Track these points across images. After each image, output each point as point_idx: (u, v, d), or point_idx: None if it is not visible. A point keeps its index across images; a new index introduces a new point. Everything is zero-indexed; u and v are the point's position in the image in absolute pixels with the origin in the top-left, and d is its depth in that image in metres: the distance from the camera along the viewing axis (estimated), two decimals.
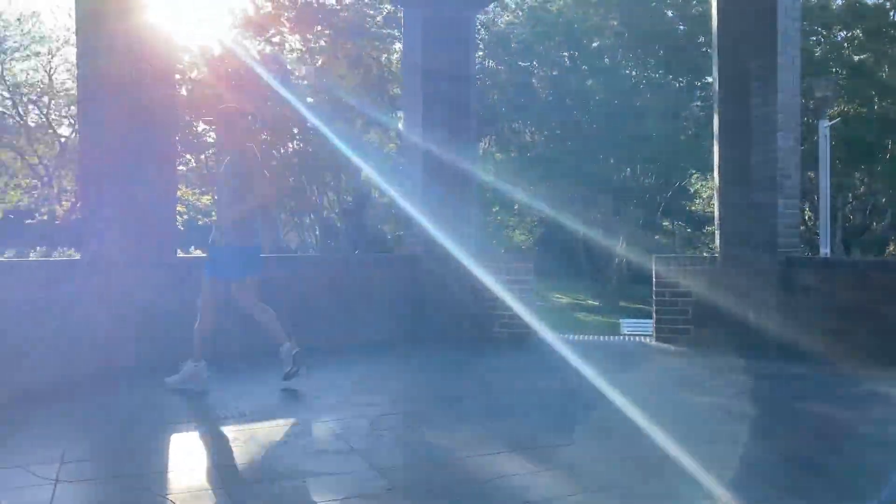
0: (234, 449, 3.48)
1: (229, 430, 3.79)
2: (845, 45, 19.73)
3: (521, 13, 21.31)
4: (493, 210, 20.03)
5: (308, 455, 3.37)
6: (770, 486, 2.92)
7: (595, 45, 20.22)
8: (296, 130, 21.95)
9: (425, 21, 7.40)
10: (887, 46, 19.28)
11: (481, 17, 18.53)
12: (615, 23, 19.70)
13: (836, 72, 17.83)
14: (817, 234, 16.75)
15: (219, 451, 3.45)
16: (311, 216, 24.37)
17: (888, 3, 21.89)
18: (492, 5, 17.84)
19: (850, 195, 21.80)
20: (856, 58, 18.79)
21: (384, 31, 20.31)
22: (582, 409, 4.26)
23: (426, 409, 4.31)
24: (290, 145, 22.53)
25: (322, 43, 20.88)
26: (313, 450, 3.46)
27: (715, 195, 7.30)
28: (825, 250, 13.17)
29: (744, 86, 6.95)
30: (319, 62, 20.99)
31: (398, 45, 22.52)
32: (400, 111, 22.79)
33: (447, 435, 3.72)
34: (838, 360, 5.90)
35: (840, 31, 20.42)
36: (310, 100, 20.32)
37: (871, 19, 19.34)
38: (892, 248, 26.58)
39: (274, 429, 3.85)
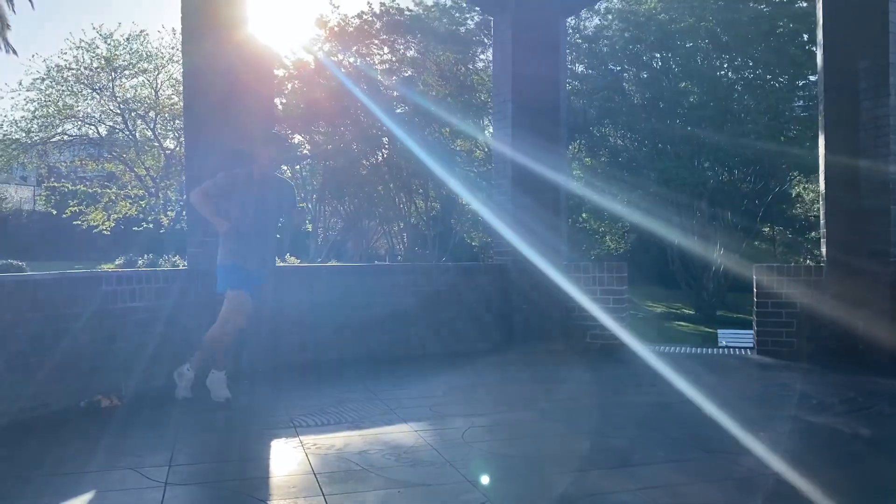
0: (329, 457, 3.55)
1: (324, 438, 3.87)
2: None
3: (610, 16, 20.97)
4: (583, 217, 19.74)
5: (402, 465, 3.40)
6: None
7: (688, 45, 19.65)
8: (385, 140, 22.35)
9: (515, 26, 7.38)
10: None
11: (571, 21, 18.34)
12: (709, 23, 19.08)
13: None
14: None
15: (316, 457, 3.53)
16: (400, 224, 24.72)
17: None
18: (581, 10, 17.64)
19: None
20: None
21: (473, 38, 20.41)
22: (680, 426, 4.13)
23: (518, 422, 4.27)
24: (380, 154, 22.95)
25: (411, 53, 21.20)
26: (407, 460, 3.48)
27: (820, 201, 6.95)
28: None
29: (852, 87, 6.60)
30: (408, 72, 21.32)
31: (487, 54, 22.64)
32: (489, 119, 22.87)
33: (540, 449, 3.68)
34: None
35: None
36: (399, 109, 20.65)
37: None
38: None
39: (366, 437, 3.90)
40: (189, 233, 6.11)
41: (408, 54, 21.20)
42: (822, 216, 6.90)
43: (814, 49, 19.05)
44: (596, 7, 20.00)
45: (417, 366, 6.29)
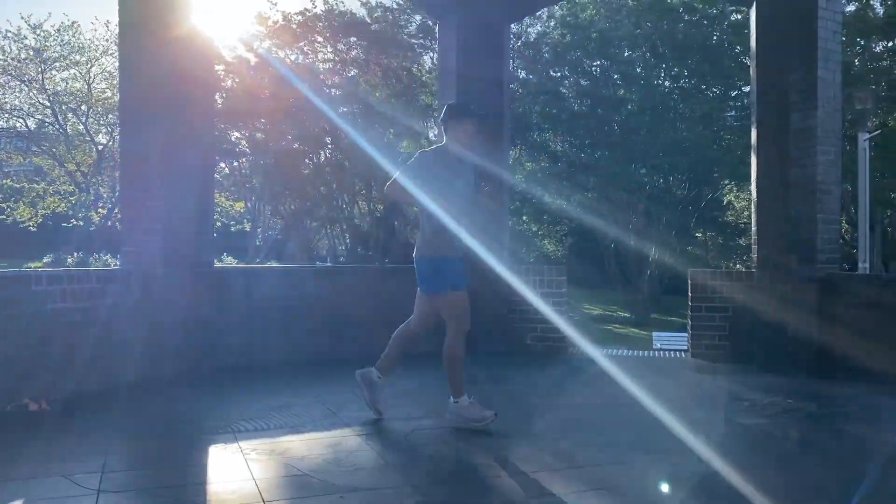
0: (270, 462, 3.49)
1: (265, 444, 3.80)
2: (885, 56, 19.38)
3: (552, 23, 21.28)
4: (523, 219, 19.96)
5: (344, 470, 3.37)
6: None
7: (627, 54, 20.10)
8: (328, 140, 22.14)
9: (460, 29, 7.42)
10: None
11: (514, 26, 18.54)
12: (647, 31, 19.56)
13: (876, 83, 17.50)
14: (855, 249, 16.45)
15: (256, 463, 3.46)
16: (343, 225, 24.51)
17: None
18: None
19: (889, 209, 21.36)
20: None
21: (416, 41, 20.41)
22: (622, 428, 4.20)
23: (461, 425, 4.27)
24: (323, 154, 22.72)
25: (354, 53, 21.06)
26: (350, 465, 3.45)
27: (753, 208, 7.20)
28: (864, 265, 12.91)
29: (783, 99, 6.85)
30: (352, 73, 21.16)
31: (430, 56, 22.66)
32: (433, 121, 22.88)
33: (484, 451, 3.70)
34: (880, 378, 5.77)
35: (879, 41, 20.05)
36: (343, 109, 20.50)
37: None
38: None
39: (308, 442, 3.85)
40: (124, 230, 5.93)
41: (351, 54, 21.04)
42: (753, 223, 7.14)
43: (746, 61, 19.75)
44: (538, 14, 20.27)
45: (360, 368, 6.23)
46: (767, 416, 4.48)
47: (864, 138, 12.95)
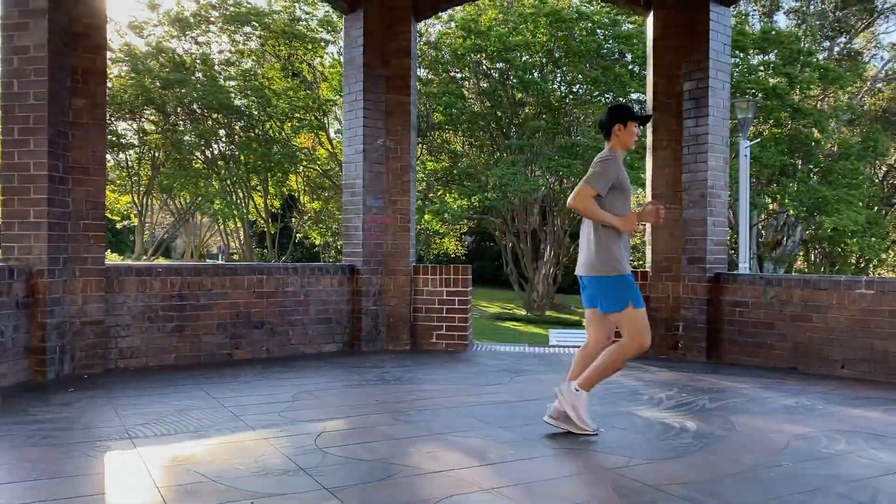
0: (173, 469, 3.33)
1: (166, 450, 3.63)
2: (761, 68, 20.69)
3: (453, 24, 21.46)
4: (425, 219, 20.04)
5: (253, 475, 3.26)
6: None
7: (524, 58, 20.54)
8: (222, 133, 21.42)
9: (367, 27, 7.34)
10: (798, 71, 20.32)
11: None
12: (543, 37, 20.06)
13: (753, 94, 18.67)
14: (733, 250, 17.49)
15: (159, 471, 3.29)
16: (237, 221, 23.78)
17: (799, 31, 23.14)
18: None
19: (764, 213, 22.84)
20: (771, 81, 19.73)
21: (317, 34, 20.06)
22: (529, 423, 4.27)
23: (372, 425, 4.23)
24: (217, 147, 21.97)
25: (252, 44, 20.48)
26: (258, 469, 3.34)
27: None
28: (744, 265, 13.74)
29: (677, 106, 7.19)
30: (249, 64, 20.58)
31: (334, 49, 22.32)
32: (333, 117, 22.56)
33: (396, 451, 3.67)
34: (764, 370, 6.16)
35: (756, 54, 21.40)
36: (239, 101, 19.88)
37: (784, 45, 20.36)
38: (800, 263, 28.00)
39: (212, 447, 3.71)
40: (5, 226, 5.51)
41: (248, 46, 20.45)
42: (648, 225, 7.44)
43: (636, 70, 20.62)
44: (439, 14, 20.40)
45: (263, 370, 6.08)
46: (665, 409, 4.68)
47: (744, 146, 13.77)
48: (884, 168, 26.94)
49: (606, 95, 20.94)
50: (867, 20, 26.33)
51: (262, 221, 24.57)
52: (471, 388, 5.40)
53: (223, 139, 21.90)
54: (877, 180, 26.23)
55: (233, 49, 20.23)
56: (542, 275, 23.16)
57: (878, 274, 28.41)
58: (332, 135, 22.68)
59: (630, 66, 20.22)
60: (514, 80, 20.87)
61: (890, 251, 25.75)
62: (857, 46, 26.96)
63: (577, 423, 4.00)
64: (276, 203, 25.11)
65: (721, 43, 7.10)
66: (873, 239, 20.58)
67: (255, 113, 20.17)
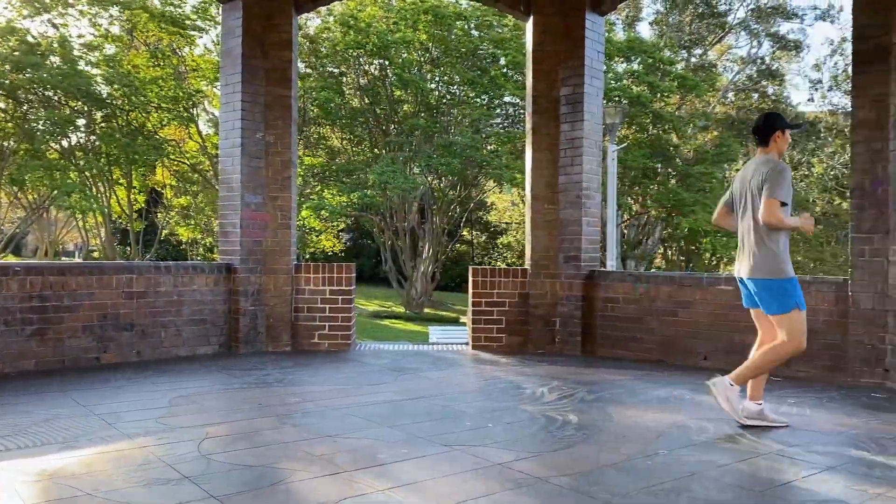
0: (44, 484, 3.09)
1: (33, 463, 3.36)
2: (626, 76, 21.78)
3: (332, 18, 21.17)
4: (302, 215, 19.65)
5: (133, 486, 3.08)
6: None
7: (403, 56, 20.59)
8: (81, 122, 20.09)
9: (247, 17, 7.10)
10: (659, 79, 21.57)
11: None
12: (421, 35, 20.18)
13: (619, 100, 19.64)
14: (603, 249, 18.35)
15: (27, 486, 3.04)
16: (97, 217, 22.36)
17: (661, 41, 24.56)
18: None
19: (626, 213, 24.10)
20: (635, 89, 20.82)
21: (189, 22, 19.18)
22: (416, 422, 4.29)
23: (255, 429, 4.10)
24: (75, 137, 20.57)
25: (116, 29, 19.33)
26: (138, 479, 3.16)
27: (526, 211, 7.72)
28: (612, 263, 14.43)
29: (554, 111, 7.44)
30: (114, 49, 19.40)
31: (208, 39, 21.39)
32: (199, 107, 21.65)
33: (284, 455, 3.58)
34: (636, 362, 6.50)
35: (621, 62, 22.51)
36: (102, 89, 18.70)
37: (647, 54, 21.54)
38: (659, 261, 29.77)
39: (86, 458, 3.47)
40: None
41: (112, 30, 19.27)
42: (527, 224, 7.67)
43: (509, 72, 21.16)
44: (318, 8, 20.07)
45: (136, 374, 5.76)
46: (548, 403, 4.84)
47: (612, 149, 14.46)
48: (733, 172, 29.10)
49: (483, 97, 21.35)
50: (719, 34, 28.34)
51: (125, 217, 23.25)
52: (356, 388, 5.35)
53: (82, 129, 20.53)
54: (726, 184, 28.29)
55: (96, 33, 18.98)
56: (421, 272, 23.32)
57: (728, 270, 30.71)
58: (202, 127, 21.79)
59: (504, 70, 20.70)
60: (394, 78, 20.87)
61: (734, 250, 27.81)
62: (711, 58, 28.98)
63: (732, 413, 4.23)
64: (141, 198, 23.81)
65: (595, 50, 7.41)
66: (724, 238, 22.17)
67: (119, 102, 19.03)
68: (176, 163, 21.98)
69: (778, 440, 3.94)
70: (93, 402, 4.66)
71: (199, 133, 21.26)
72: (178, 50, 19.98)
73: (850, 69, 26.44)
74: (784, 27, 29.23)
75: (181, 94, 19.21)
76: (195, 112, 21.17)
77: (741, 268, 4.32)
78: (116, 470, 3.29)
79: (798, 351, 4.16)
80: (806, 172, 27.72)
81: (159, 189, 24.96)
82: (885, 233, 5.68)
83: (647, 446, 3.80)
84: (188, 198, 23.41)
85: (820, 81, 28.26)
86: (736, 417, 4.26)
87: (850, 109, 6.10)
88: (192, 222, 23.26)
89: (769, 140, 4.26)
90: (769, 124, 4.27)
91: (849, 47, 26.39)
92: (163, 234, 25.67)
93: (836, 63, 27.09)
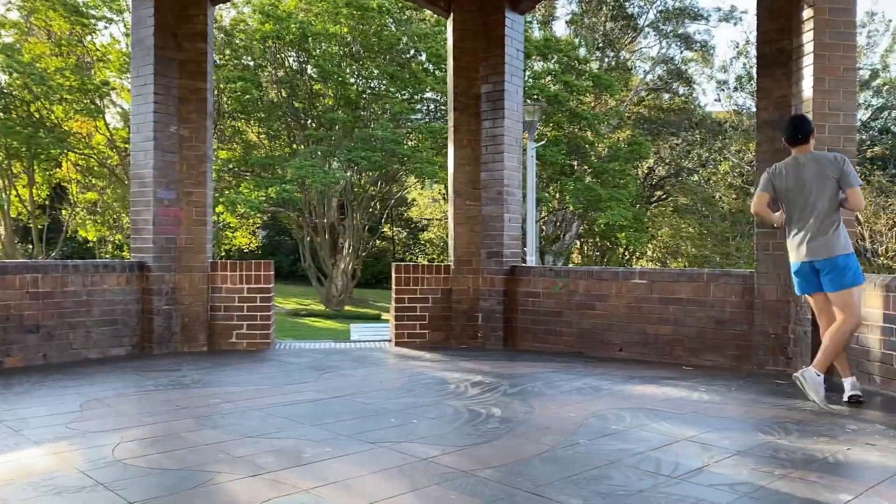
0: None
1: None
2: (543, 75, 22.19)
3: (247, 9, 20.69)
4: (217, 210, 19.13)
5: (45, 495, 2.93)
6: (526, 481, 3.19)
7: (323, 48, 20.33)
8: None
9: (158, 7, 6.86)
10: (575, 78, 22.07)
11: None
12: (342, 29, 19.98)
13: (537, 98, 19.98)
14: (522, 244, 18.64)
15: None
16: None
17: (577, 40, 25.11)
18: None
19: (544, 209, 24.56)
20: (552, 87, 21.23)
21: (95, 10, 18.36)
22: (340, 420, 4.26)
23: (173, 432, 3.97)
24: None
25: (13, 15, 18.32)
26: (50, 488, 3.01)
27: (449, 208, 7.77)
28: (531, 258, 14.68)
29: (475, 107, 7.51)
30: (10, 38, 18.39)
31: (114, 30, 20.51)
32: (107, 98, 20.79)
33: (205, 458, 3.48)
34: (555, 355, 6.63)
35: (538, 60, 22.91)
36: (7, 79, 17.68)
37: (563, 53, 21.99)
38: (575, 256, 30.48)
39: None
40: None
41: (9, 16, 18.25)
42: (450, 220, 7.71)
43: (430, 68, 21.22)
44: (235, 1, 19.62)
45: (42, 378, 5.49)
46: (471, 398, 4.89)
47: (531, 147, 14.71)
48: (645, 169, 30.08)
49: (403, 92, 21.32)
50: (632, 35, 29.23)
51: (26, 213, 22.10)
52: (277, 387, 5.26)
53: None
54: (639, 181, 29.21)
55: None
56: (342, 270, 23.12)
57: (641, 264, 31.75)
58: (110, 120, 20.92)
59: (425, 65, 20.74)
60: (313, 71, 20.58)
61: (649, 244, 28.75)
62: (624, 58, 29.85)
63: (819, 403, 4.55)
64: (44, 193, 22.65)
65: (515, 49, 7.52)
66: (638, 233, 22.92)
67: (19, 92, 18.04)
68: (82, 157, 21.04)
69: (691, 427, 4.11)
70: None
71: (107, 126, 20.40)
72: (82, 39, 19.09)
73: (753, 71, 27.67)
74: (691, 28, 30.33)
75: (89, 85, 18.37)
76: (103, 104, 20.30)
77: (811, 251, 4.73)
78: (25, 479, 3.13)
79: (859, 325, 4.73)
80: (713, 170, 28.93)
81: (64, 184, 23.82)
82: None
83: (568, 437, 3.89)
84: (95, 193, 22.44)
85: (726, 82, 29.51)
86: (823, 406, 4.56)
87: (756, 111, 6.40)
88: (100, 219, 22.33)
89: (809, 139, 4.89)
90: (807, 126, 4.89)
91: (752, 49, 27.70)
92: (69, 232, 24.52)
93: (743, 64, 28.35)
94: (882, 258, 22.44)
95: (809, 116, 5.67)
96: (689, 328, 6.44)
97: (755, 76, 6.48)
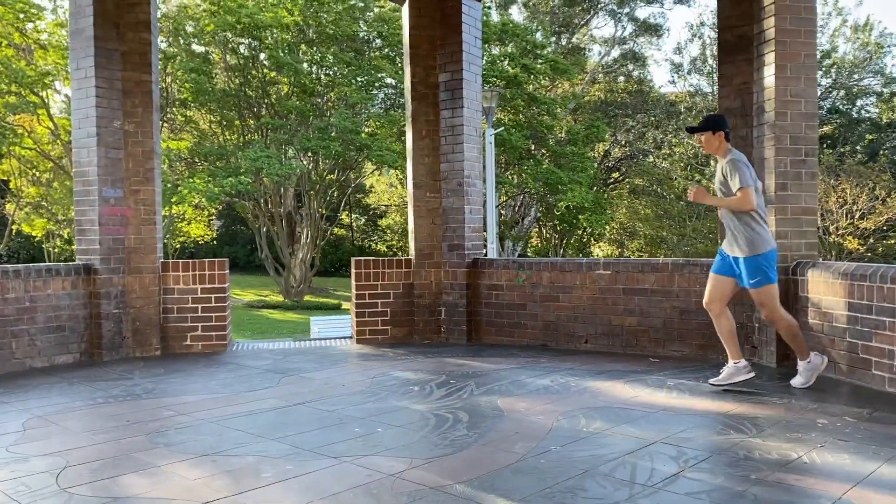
0: None
1: None
2: (501, 58, 22.02)
3: None
4: (172, 201, 18.58)
5: None
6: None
7: (276, 35, 19.82)
8: None
9: None
10: (532, 62, 21.95)
11: None
12: (296, 17, 19.50)
13: (495, 81, 19.81)
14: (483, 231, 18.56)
15: None
16: None
17: (533, 25, 24.99)
18: None
19: (504, 194, 24.49)
20: (510, 71, 21.08)
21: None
22: (302, 431, 4.07)
23: (124, 452, 3.75)
24: None
25: None
26: None
27: (409, 201, 7.58)
28: (492, 245, 14.59)
29: (433, 97, 7.32)
30: None
31: (52, 17, 19.72)
32: (50, 88, 19.99)
33: (157, 483, 3.27)
34: (518, 348, 6.52)
35: (496, 45, 22.73)
36: None
37: (520, 38, 21.85)
38: (535, 240, 30.53)
39: None
40: None
41: None
42: (410, 213, 7.53)
43: (389, 53, 20.88)
44: None
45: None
46: (437, 400, 4.74)
47: (490, 133, 14.55)
48: (601, 151, 30.21)
49: (360, 79, 20.95)
50: (586, 18, 29.22)
51: None
52: (235, 395, 5.04)
53: None
54: (595, 163, 29.34)
55: None
56: (300, 259, 22.75)
57: (599, 246, 31.98)
58: (55, 109, 20.14)
59: (385, 51, 20.40)
60: (266, 59, 20.07)
61: (607, 226, 28.93)
62: (577, 41, 29.85)
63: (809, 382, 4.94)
64: None
65: (473, 36, 7.34)
66: (597, 216, 23.00)
67: None
68: (25, 150, 20.24)
69: (663, 428, 4.03)
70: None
71: (51, 117, 19.63)
72: (19, 27, 18.29)
73: (707, 52, 27.79)
74: (645, 10, 30.45)
75: (25, 79, 17.60)
76: (45, 94, 19.52)
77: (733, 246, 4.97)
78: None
79: (780, 310, 4.93)
80: (668, 152, 29.18)
81: (7, 178, 22.92)
82: None
83: (539, 443, 3.77)
84: (39, 188, 21.64)
85: (681, 64, 29.74)
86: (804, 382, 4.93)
87: (718, 98, 6.34)
88: (45, 214, 21.56)
89: (723, 136, 4.97)
90: (725, 123, 4.98)
91: (707, 32, 27.94)
92: (14, 228, 23.64)
93: (699, 45, 28.56)
94: (832, 237, 22.95)
95: (769, 106, 5.64)
96: (655, 319, 6.39)
97: (716, 63, 6.42)
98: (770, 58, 5.66)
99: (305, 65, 20.74)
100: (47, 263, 7.81)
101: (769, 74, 5.69)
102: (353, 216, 36.04)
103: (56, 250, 23.84)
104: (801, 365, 4.97)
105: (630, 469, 3.35)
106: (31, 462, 3.58)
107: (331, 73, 21.38)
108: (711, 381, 5.00)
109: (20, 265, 6.33)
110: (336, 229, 31.01)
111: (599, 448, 3.67)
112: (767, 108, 5.73)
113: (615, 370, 5.69)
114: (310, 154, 20.38)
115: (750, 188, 4.68)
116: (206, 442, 3.90)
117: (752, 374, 4.90)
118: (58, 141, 19.78)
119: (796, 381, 4.96)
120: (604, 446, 3.70)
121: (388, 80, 21.12)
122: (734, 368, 4.90)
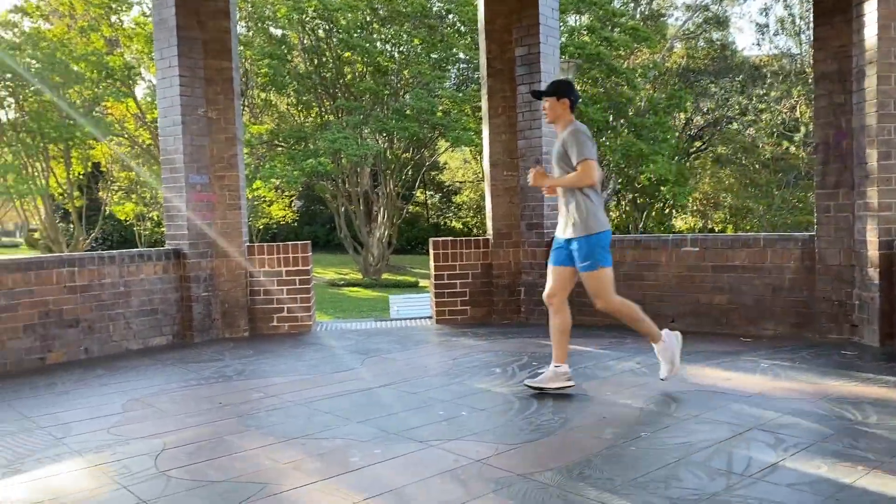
0: None
1: None
2: (579, 31, 21.47)
3: None
4: (255, 185, 19.06)
5: None
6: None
7: (349, 17, 19.92)
8: (6, 94, 19.10)
9: None
10: (610, 31, 21.32)
11: None
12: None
13: (576, 56, 19.35)
14: None
15: None
16: (35, 195, 21.43)
17: None
18: None
19: None
20: (592, 44, 20.53)
21: None
22: (387, 414, 4.09)
23: (216, 435, 3.85)
24: (5, 114, 19.57)
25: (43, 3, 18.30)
26: None
27: (486, 179, 7.50)
28: None
29: (509, 72, 7.18)
30: (36, 22, 18.38)
31: (137, 9, 20.38)
32: (137, 78, 20.72)
33: (250, 467, 3.35)
34: (607, 330, 6.38)
35: (573, 14, 22.17)
36: (32, 64, 17.72)
37: (598, 6, 21.23)
38: (614, 213, 29.90)
39: (31, 484, 3.19)
40: None
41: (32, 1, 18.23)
42: (487, 193, 7.45)
43: (462, 29, 20.68)
44: None
45: (84, 374, 5.43)
46: (521, 383, 4.68)
47: None
48: (682, 119, 29.19)
49: (433, 55, 20.85)
50: None
51: (64, 195, 22.32)
52: (321, 376, 5.13)
53: (13, 105, 19.52)
54: (677, 132, 28.41)
55: (14, 4, 17.89)
56: (377, 237, 23.00)
57: (681, 218, 31.04)
58: (142, 94, 20.89)
59: (457, 27, 20.21)
60: (338, 40, 20.21)
61: (689, 197, 28.03)
62: (656, 8, 28.80)
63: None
64: (80, 169, 22.79)
65: (550, 7, 7.14)
66: (681, 187, 22.30)
67: (50, 77, 18.05)
68: (118, 138, 21.13)
69: (759, 412, 3.86)
70: (38, 413, 4.35)
71: (138, 106, 20.39)
72: (108, 20, 18.98)
73: (795, 10, 26.37)
74: None
75: (116, 68, 18.29)
76: (131, 84, 20.26)
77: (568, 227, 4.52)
78: (67, 496, 3.03)
79: (614, 301, 4.51)
80: (754, 118, 27.95)
81: (100, 164, 24.01)
82: (850, 187, 5.62)
83: (629, 428, 3.68)
84: (129, 173, 22.58)
85: (767, 26, 28.34)
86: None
87: (813, 62, 5.98)
88: (135, 198, 22.48)
89: (566, 105, 4.46)
90: (566, 89, 4.43)
91: None
92: (106, 211, 24.79)
93: (784, 4, 27.15)
94: None
95: (871, 69, 5.26)
96: (746, 296, 6.13)
97: (806, 24, 6.03)
98: (872, 17, 5.28)
99: (378, 44, 20.76)
100: (139, 249, 8.13)
101: (871, 35, 5.30)
102: (428, 193, 36.14)
103: (147, 233, 24.87)
104: (656, 349, 4.52)
105: (726, 457, 3.21)
106: (131, 444, 3.73)
107: (404, 50, 21.35)
108: (526, 381, 4.54)
109: (114, 251, 6.60)
110: (411, 207, 31.18)
111: (692, 434, 3.54)
112: (869, 71, 5.35)
113: (705, 350, 5.50)
114: (384, 134, 20.47)
115: (592, 161, 4.21)
116: (296, 424, 3.97)
117: (572, 384, 4.43)
118: (144, 127, 20.53)
119: (662, 372, 4.48)
120: (696, 433, 3.57)
121: (460, 55, 20.92)
122: (554, 373, 4.43)
